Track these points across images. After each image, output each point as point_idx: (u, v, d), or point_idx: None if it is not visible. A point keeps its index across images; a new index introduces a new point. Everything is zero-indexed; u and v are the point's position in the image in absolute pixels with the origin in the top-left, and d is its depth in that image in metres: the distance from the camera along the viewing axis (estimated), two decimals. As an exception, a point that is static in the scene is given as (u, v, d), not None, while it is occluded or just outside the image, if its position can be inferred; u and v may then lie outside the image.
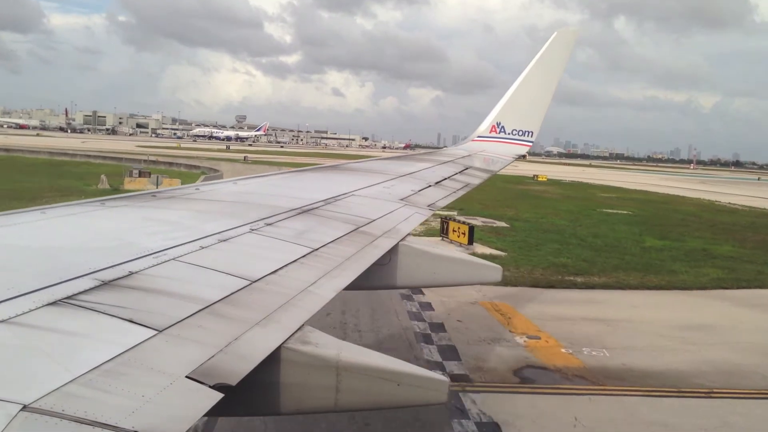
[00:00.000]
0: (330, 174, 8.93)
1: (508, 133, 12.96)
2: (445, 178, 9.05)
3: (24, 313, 2.36)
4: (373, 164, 10.68)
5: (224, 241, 3.89)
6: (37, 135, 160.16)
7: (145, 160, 69.93)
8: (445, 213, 39.81)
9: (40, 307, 2.43)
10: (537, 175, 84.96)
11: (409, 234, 5.28)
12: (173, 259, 3.33)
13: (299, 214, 5.10)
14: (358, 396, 2.85)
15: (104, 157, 78.92)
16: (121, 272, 2.97)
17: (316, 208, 5.46)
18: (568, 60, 12.65)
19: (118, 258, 3.16)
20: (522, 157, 13.36)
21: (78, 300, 2.57)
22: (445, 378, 3.03)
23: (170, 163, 70.71)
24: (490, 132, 13.09)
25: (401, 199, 6.78)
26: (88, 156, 79.96)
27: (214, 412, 2.10)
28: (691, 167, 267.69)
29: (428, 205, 6.89)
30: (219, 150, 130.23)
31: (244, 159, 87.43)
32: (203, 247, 3.65)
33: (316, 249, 4.14)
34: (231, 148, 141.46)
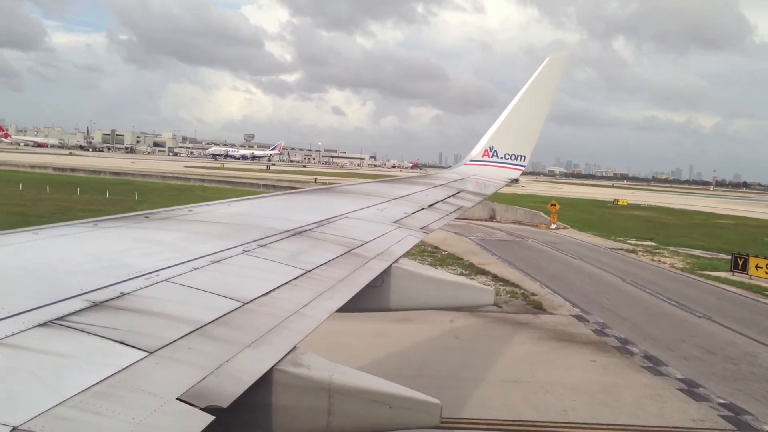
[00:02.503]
0: (323, 196, 8.95)
1: (501, 157, 13.07)
2: (438, 201, 9.09)
3: (14, 334, 2.34)
4: (367, 187, 10.71)
5: (217, 262, 3.88)
6: (70, 154, 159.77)
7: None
8: (638, 243, 39.60)
9: (30, 329, 2.41)
10: (617, 200, 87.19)
11: (401, 256, 5.27)
12: (165, 280, 3.32)
13: (292, 236, 5.10)
14: (350, 419, 2.82)
15: (217, 181, 78.80)
16: (112, 293, 2.95)
17: (310, 230, 5.46)
18: (559, 85, 12.83)
19: (109, 279, 3.14)
20: (514, 181, 13.43)
21: (69, 321, 2.55)
22: (437, 401, 3.01)
23: (291, 188, 69.97)
24: (483, 156, 13.20)
25: (394, 222, 6.79)
26: (202, 180, 79.78)
27: None
28: (711, 189, 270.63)
29: (421, 228, 6.90)
30: (260, 170, 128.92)
31: (315, 181, 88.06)
32: (195, 269, 3.64)
33: (309, 271, 4.14)
34: (272, 168, 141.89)
